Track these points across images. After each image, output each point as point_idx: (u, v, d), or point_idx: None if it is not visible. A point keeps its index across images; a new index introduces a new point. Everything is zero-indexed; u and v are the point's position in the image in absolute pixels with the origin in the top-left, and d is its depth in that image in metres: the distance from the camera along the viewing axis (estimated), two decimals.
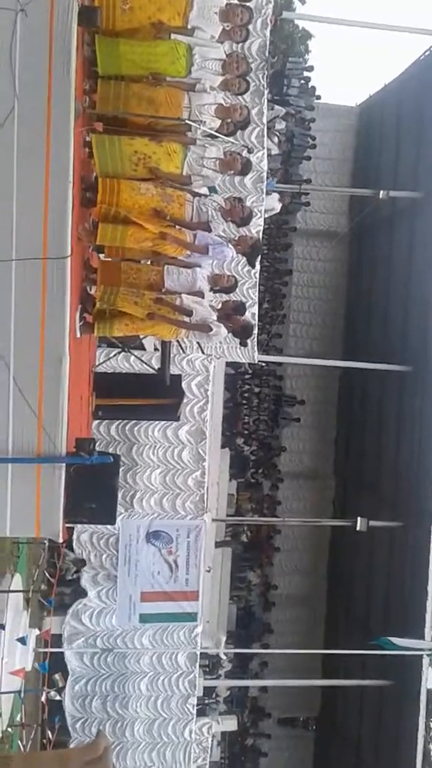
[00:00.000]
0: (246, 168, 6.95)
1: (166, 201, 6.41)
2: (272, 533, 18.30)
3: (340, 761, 17.03)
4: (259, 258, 11.10)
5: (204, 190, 7.00)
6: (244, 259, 9.69)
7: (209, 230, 6.47)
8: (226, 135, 6.70)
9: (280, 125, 15.81)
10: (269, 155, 12.79)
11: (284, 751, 18.49)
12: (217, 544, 14.47)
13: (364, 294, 17.40)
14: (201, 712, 12.39)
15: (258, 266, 11.84)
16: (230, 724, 13.76)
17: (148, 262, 6.94)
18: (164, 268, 6.57)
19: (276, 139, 15.17)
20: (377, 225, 16.46)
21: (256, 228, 10.98)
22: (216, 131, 6.61)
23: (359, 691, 15.36)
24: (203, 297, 6.70)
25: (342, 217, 17.87)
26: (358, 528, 13.41)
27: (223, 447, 15.07)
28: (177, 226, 6.51)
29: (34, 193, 5.70)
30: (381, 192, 14.44)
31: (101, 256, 6.97)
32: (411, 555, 13.75)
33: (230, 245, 6.68)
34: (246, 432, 18.46)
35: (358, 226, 16.81)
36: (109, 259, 6.90)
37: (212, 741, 12.89)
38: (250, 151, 8.70)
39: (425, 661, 13.26)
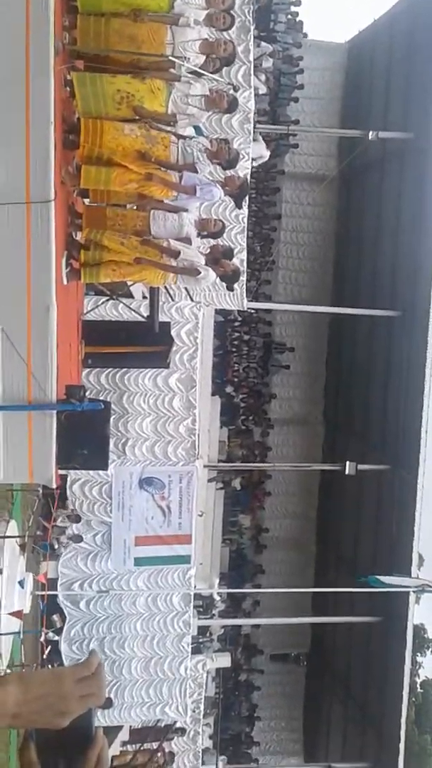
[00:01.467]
0: (232, 106, 6.76)
1: (151, 143, 6.26)
2: (263, 478, 18.58)
3: (330, 694, 17.73)
4: (247, 202, 10.94)
5: (189, 131, 6.83)
6: (232, 203, 9.58)
7: (195, 172, 6.34)
8: (211, 72, 6.51)
9: (267, 63, 15.35)
10: (256, 95, 12.47)
11: (276, 685, 19.23)
12: (211, 479, 14.65)
13: (353, 239, 17.23)
14: (195, 650, 12.80)
15: (246, 210, 11.68)
16: (224, 660, 14.22)
17: (134, 208, 6.82)
18: (150, 214, 6.47)
19: (263, 78, 14.75)
20: (367, 167, 16.18)
21: (243, 171, 10.78)
22: (200, 68, 6.41)
23: (348, 628, 15.88)
24: (190, 243, 6.62)
25: (331, 160, 17.54)
26: (347, 472, 13.63)
27: (213, 395, 15.15)
28: (162, 169, 6.38)
29: (14, 135, 5.55)
30: (370, 133, 14.11)
31: (86, 201, 6.85)
32: (398, 497, 14.03)
33: (218, 185, 6.55)
34: (236, 380, 18.54)
35: (347, 169, 16.52)
36: (95, 204, 6.78)
37: (207, 677, 13.37)
38: (236, 90, 8.47)
39: (411, 598, 13.69)
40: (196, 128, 6.81)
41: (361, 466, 13.68)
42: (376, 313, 14.63)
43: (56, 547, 11.57)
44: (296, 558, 18.64)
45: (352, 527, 16.51)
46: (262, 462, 18.04)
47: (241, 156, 9.13)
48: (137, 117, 6.14)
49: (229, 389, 18.15)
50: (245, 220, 11.81)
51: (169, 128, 6.40)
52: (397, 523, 14.08)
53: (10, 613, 7.93)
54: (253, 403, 18.70)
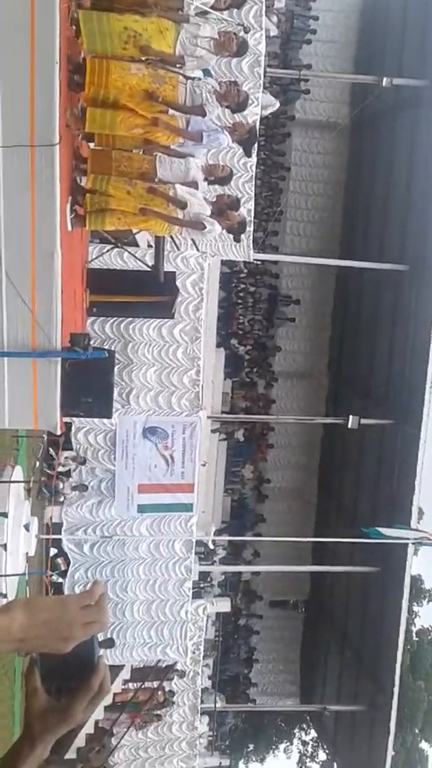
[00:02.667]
0: (242, 49, 6.55)
1: (158, 83, 6.10)
2: (266, 430, 18.72)
3: (327, 640, 18.23)
4: (256, 149, 10.71)
5: (198, 74, 6.65)
6: (240, 150, 9.38)
7: (203, 115, 6.19)
8: (220, 12, 6.30)
9: (279, 3, 14.81)
10: (267, 37, 12.07)
11: (275, 630, 19.77)
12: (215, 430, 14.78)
13: (363, 190, 16.90)
14: (196, 595, 13.13)
15: (254, 158, 11.44)
16: (224, 605, 14.60)
17: (140, 153, 6.70)
18: (156, 157, 6.35)
19: (275, 19, 14.26)
20: (379, 115, 15.76)
21: (252, 116, 10.52)
22: (210, 7, 6.21)
23: (347, 577, 16.22)
24: (197, 188, 6.51)
25: (343, 107, 17.07)
26: (350, 426, 13.69)
27: (218, 346, 15.14)
28: (169, 111, 6.23)
29: (18, 75, 5.42)
30: (384, 79, 13.68)
31: (91, 145, 6.72)
32: (400, 451, 14.13)
33: (225, 132, 6.41)
34: (241, 332, 18.48)
35: (359, 117, 16.09)
36: (100, 148, 6.65)
37: (207, 621, 13.75)
38: (246, 31, 8.20)
39: (410, 549, 13.93)
40: (205, 71, 6.62)
41: (364, 421, 13.74)
42: (384, 267, 14.47)
43: (61, 494, 11.77)
44: (297, 508, 18.92)
45: (354, 480, 16.69)
46: (266, 414, 18.14)
47: (250, 100, 8.91)
48: (144, 57, 5.97)
49: (233, 341, 18.12)
50: (253, 168, 11.59)
51: (176, 69, 6.23)
52: (398, 476, 14.23)
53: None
54: (258, 355, 18.69)
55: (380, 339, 15.68)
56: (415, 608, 23.60)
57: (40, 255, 5.70)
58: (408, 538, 13.20)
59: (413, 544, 13.71)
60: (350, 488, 16.90)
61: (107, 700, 13.35)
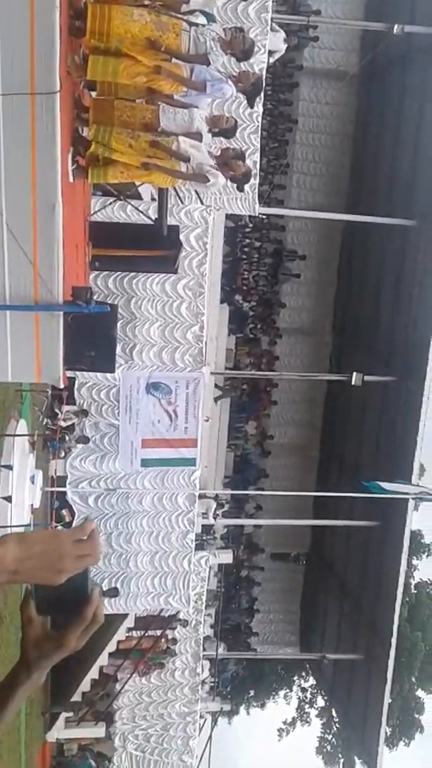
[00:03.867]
0: None
1: (161, 30, 5.93)
2: (269, 387, 18.77)
3: (327, 592, 18.62)
4: (262, 99, 10.47)
5: (202, 20, 6.45)
6: (245, 100, 9.16)
7: (207, 63, 6.03)
8: None
9: None
10: None
11: (276, 582, 20.19)
12: (216, 399, 14.87)
13: (371, 142, 16.54)
14: (199, 547, 13.38)
15: (260, 109, 11.19)
16: (226, 557, 14.88)
17: (143, 102, 6.55)
18: (159, 107, 6.22)
19: None
20: (390, 64, 15.31)
21: (259, 65, 10.25)
22: None
23: (347, 531, 16.48)
24: (201, 140, 6.39)
25: (352, 55, 16.59)
26: (353, 382, 13.69)
27: (222, 302, 15.07)
28: (173, 59, 6.07)
29: (17, 20, 5.27)
30: (396, 26, 13.24)
31: (93, 94, 6.57)
32: (403, 407, 14.19)
33: (230, 81, 6.25)
34: (245, 288, 18.36)
35: (369, 66, 15.64)
36: (102, 98, 6.51)
37: (209, 572, 14.04)
38: None
39: (410, 504, 14.11)
40: (209, 16, 6.42)
41: (367, 377, 13.74)
42: (391, 222, 14.26)
43: (64, 448, 11.90)
44: (299, 464, 19.10)
45: (356, 436, 16.80)
46: (270, 371, 18.16)
47: (256, 47, 8.67)
48: (147, 1, 5.79)
49: (237, 297, 18.02)
50: (259, 118, 11.33)
51: (180, 15, 6.05)
52: (400, 432, 14.32)
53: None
54: (262, 311, 18.61)
55: (385, 295, 15.57)
56: (414, 562, 24.01)
57: (41, 207, 5.63)
58: (408, 493, 13.37)
59: (413, 499, 13.90)
60: (352, 444, 17.02)
61: (111, 646, 13.76)
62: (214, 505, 14.09)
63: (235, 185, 7.45)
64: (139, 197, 10.21)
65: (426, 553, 25.09)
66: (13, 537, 1.28)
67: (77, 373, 10.67)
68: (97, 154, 6.36)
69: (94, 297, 6.73)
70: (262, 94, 10.51)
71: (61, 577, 1.29)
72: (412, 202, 14.23)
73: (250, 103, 7.33)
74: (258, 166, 11.58)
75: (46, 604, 1.36)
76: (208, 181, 6.47)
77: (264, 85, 8.22)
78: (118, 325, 9.55)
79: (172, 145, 6.31)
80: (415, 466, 13.94)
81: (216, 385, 14.86)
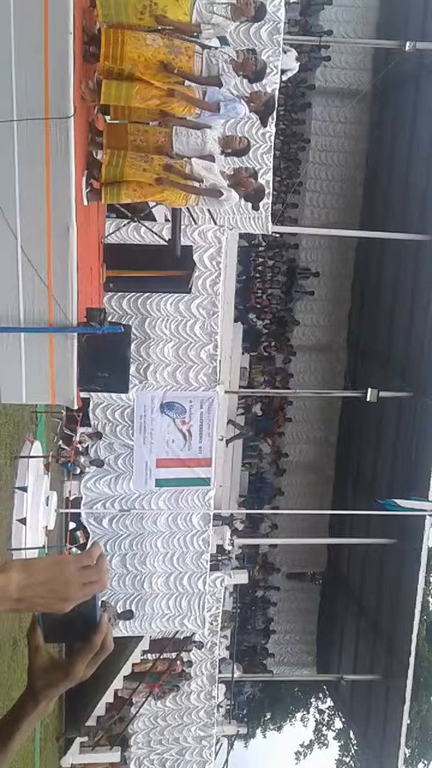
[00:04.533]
0: (260, 14, 6.38)
1: (174, 53, 5.97)
2: (284, 405, 18.69)
3: (343, 611, 18.38)
4: (274, 119, 10.51)
5: (214, 42, 6.50)
6: (258, 121, 9.21)
7: (220, 85, 6.06)
8: None
9: None
10: (286, 2, 11.74)
11: (292, 601, 19.97)
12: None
13: (384, 159, 16.57)
14: (214, 567, 13.25)
15: (273, 129, 11.23)
16: (242, 577, 14.73)
17: (156, 125, 6.59)
18: (173, 130, 6.24)
19: None
20: (402, 82, 15.36)
21: (271, 86, 10.30)
22: None
23: (364, 549, 16.29)
24: (214, 161, 6.41)
25: (364, 74, 16.67)
26: (368, 399, 13.58)
27: (236, 321, 15.06)
28: (185, 82, 6.11)
29: (32, 47, 5.33)
30: (408, 44, 13.27)
31: (107, 118, 6.62)
32: (419, 423, 14.06)
33: (242, 102, 6.27)
34: (259, 306, 18.37)
35: (381, 84, 15.70)
36: (116, 122, 6.56)
37: (224, 592, 13.89)
38: None
39: (428, 521, 13.92)
40: (222, 39, 6.47)
41: (382, 393, 13.64)
42: (405, 237, 14.23)
43: (78, 470, 11.87)
44: (315, 481, 18.96)
45: (371, 453, 16.66)
46: (284, 388, 18.09)
47: (268, 69, 8.72)
48: (160, 27, 5.84)
49: (251, 315, 18.02)
50: (272, 138, 11.37)
51: (192, 38, 6.09)
52: (416, 448, 14.17)
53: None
54: (276, 329, 18.60)
55: (399, 311, 15.50)
56: None
57: (56, 229, 5.66)
58: (425, 510, 13.20)
59: (431, 516, 13.71)
60: (368, 461, 16.88)
61: (126, 669, 13.63)
62: (228, 532, 13.99)
63: (249, 204, 7.44)
64: (153, 219, 10.26)
65: None
66: (17, 564, 1.23)
67: (91, 393, 10.67)
68: (110, 174, 6.39)
69: (108, 318, 6.74)
70: (275, 113, 10.55)
71: (67, 605, 1.25)
72: (426, 216, 14.19)
73: (263, 123, 7.34)
74: (271, 185, 11.61)
75: (53, 631, 1.32)
76: (222, 195, 6.48)
77: (277, 104, 8.24)
78: (132, 345, 9.56)
79: (185, 168, 6.33)
80: None
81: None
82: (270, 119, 8.36)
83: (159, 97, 6.00)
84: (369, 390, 13.61)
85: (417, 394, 13.89)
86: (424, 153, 14.55)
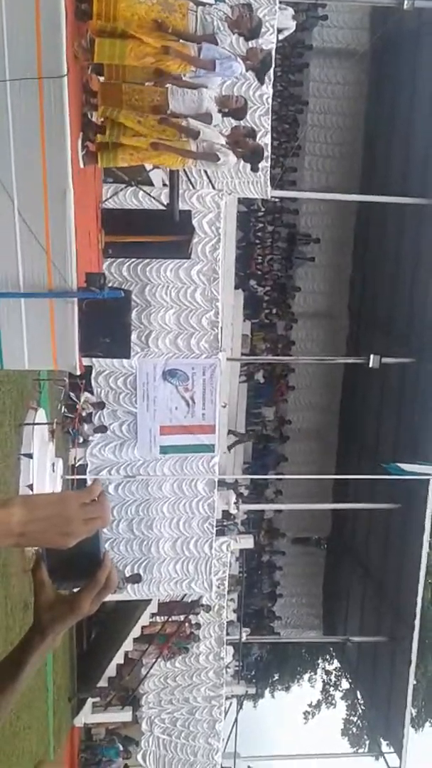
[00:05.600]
0: None
1: (168, 11, 5.87)
2: (286, 372, 18.70)
3: (349, 574, 18.60)
4: (272, 80, 10.36)
5: None
6: (255, 81, 9.07)
7: (215, 43, 5.97)
8: None
9: None
10: None
11: (298, 566, 20.20)
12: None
13: (384, 121, 16.31)
14: (220, 532, 13.41)
15: (270, 90, 11.07)
16: (247, 542, 14.90)
17: (152, 84, 6.50)
18: (168, 89, 6.17)
19: None
20: (400, 41, 15.06)
21: (268, 45, 10.12)
22: None
23: (368, 514, 16.42)
24: (211, 121, 6.34)
25: (362, 33, 16.34)
26: (371, 365, 13.58)
27: (236, 288, 14.99)
28: (180, 40, 6.01)
29: (23, 4, 5.24)
30: (405, 1, 12.98)
31: (101, 78, 6.54)
32: (422, 388, 14.07)
33: (238, 59, 6.18)
34: (259, 273, 18.26)
35: (379, 43, 15.40)
36: (110, 81, 6.47)
37: (231, 557, 14.07)
38: None
39: (431, 485, 14.00)
40: None
41: (385, 359, 13.63)
42: (406, 201, 14.08)
43: (81, 439, 11.95)
44: (318, 447, 19.05)
45: (375, 418, 16.70)
46: (286, 355, 18.08)
47: (264, 27, 8.56)
48: None
49: (252, 282, 17.94)
50: (269, 100, 11.21)
51: None
52: (419, 413, 14.21)
53: None
54: (277, 296, 18.52)
55: (401, 276, 15.41)
56: None
57: (53, 193, 5.62)
58: (429, 474, 13.26)
59: None
60: (371, 427, 16.93)
61: (136, 632, 13.88)
62: (233, 497, 14.10)
63: (248, 167, 7.37)
64: (150, 183, 10.17)
65: None
66: (19, 499, 1.25)
67: (94, 361, 10.70)
68: (106, 137, 6.34)
69: (108, 284, 6.73)
70: (272, 73, 10.39)
71: (70, 540, 1.27)
72: (427, 180, 14.03)
73: (260, 80, 7.23)
74: (269, 148, 11.48)
75: (58, 567, 1.35)
76: (219, 159, 6.42)
77: (273, 61, 8.10)
78: (133, 312, 9.56)
79: (181, 123, 6.26)
80: None
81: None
82: (267, 78, 8.24)
83: (154, 55, 5.92)
84: (371, 356, 13.59)
85: (419, 360, 13.88)
86: (424, 113, 14.31)
